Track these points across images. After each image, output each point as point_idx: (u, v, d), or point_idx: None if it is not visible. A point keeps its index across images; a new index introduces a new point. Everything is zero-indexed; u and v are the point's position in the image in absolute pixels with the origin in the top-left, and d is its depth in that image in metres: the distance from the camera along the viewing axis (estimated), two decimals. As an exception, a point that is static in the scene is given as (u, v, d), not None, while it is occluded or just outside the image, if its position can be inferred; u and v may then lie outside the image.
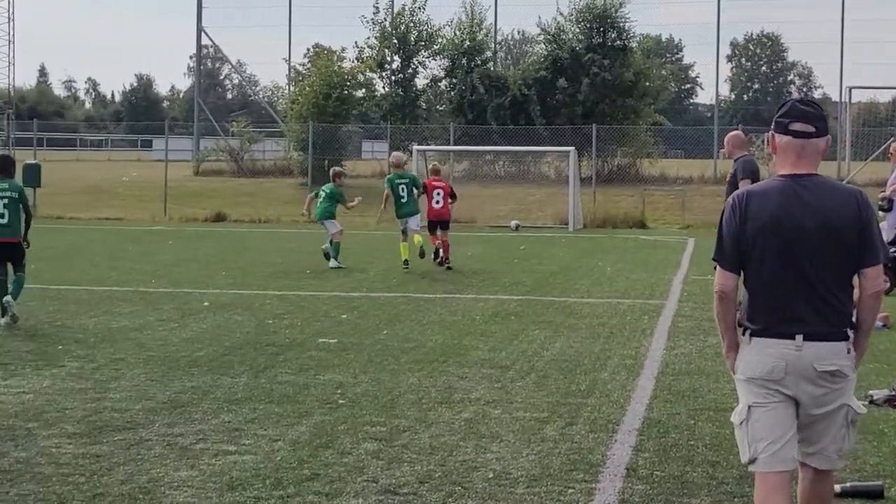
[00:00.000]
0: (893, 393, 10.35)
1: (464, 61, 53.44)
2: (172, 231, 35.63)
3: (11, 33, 47.56)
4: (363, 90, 54.41)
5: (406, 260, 22.85)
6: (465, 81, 52.43)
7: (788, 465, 5.89)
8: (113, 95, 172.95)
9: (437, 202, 23.91)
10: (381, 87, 55.91)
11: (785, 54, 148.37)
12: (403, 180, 23.72)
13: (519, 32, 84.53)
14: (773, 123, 5.94)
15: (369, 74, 54.89)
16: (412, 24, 54.99)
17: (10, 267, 15.49)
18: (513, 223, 37.67)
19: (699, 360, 12.77)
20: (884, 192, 18.21)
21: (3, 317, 15.12)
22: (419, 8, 54.87)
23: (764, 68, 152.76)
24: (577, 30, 52.30)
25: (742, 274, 5.98)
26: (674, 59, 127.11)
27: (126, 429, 9.33)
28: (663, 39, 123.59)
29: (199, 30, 60.78)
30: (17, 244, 15.59)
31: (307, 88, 50.96)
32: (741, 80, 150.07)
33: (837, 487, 7.26)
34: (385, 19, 55.31)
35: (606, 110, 50.64)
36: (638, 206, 40.47)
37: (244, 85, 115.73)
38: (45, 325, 15.22)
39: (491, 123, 50.47)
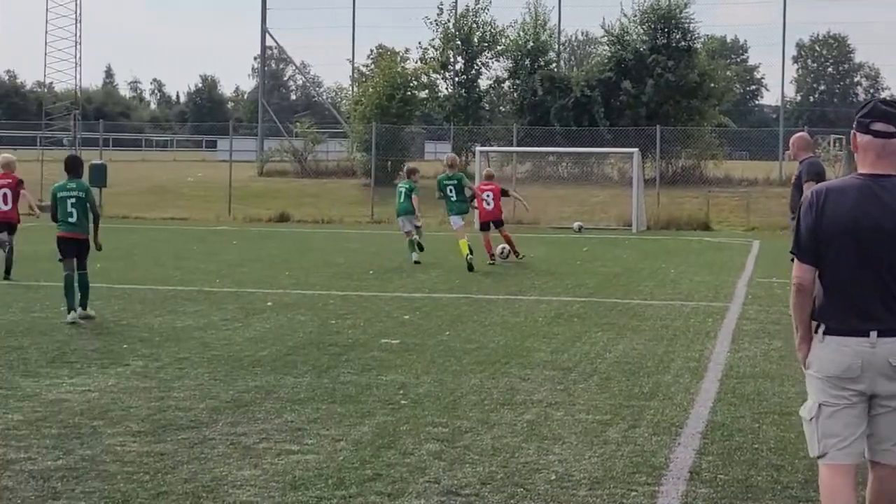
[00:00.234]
0: None
1: (527, 62, 53.35)
2: (236, 231, 35.84)
3: (78, 34, 47.96)
4: (426, 91, 54.44)
5: (469, 259, 23.05)
6: (528, 83, 52.35)
7: (857, 459, 5.96)
8: (178, 96, 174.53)
9: (488, 203, 24.92)
10: (444, 88, 56.01)
11: (851, 55, 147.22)
12: (452, 181, 24.62)
13: (583, 34, 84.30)
14: (855, 122, 5.96)
15: (433, 75, 54.95)
16: (475, 25, 54.99)
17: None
18: (576, 225, 37.56)
19: (764, 364, 12.67)
20: None
21: (76, 319, 15.51)
22: (483, 9, 54.90)
23: (830, 69, 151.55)
24: (641, 31, 52.06)
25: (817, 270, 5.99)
26: (739, 60, 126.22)
27: (190, 427, 9.38)
28: (728, 40, 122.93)
29: (264, 31, 61.12)
30: (85, 240, 16.13)
31: (370, 89, 51.04)
32: (807, 82, 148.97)
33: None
34: (448, 20, 55.37)
35: (671, 111, 50.37)
36: (702, 207, 40.24)
37: (308, 86, 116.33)
38: (110, 324, 15.36)
39: (554, 125, 50.36)
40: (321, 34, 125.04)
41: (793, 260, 6.11)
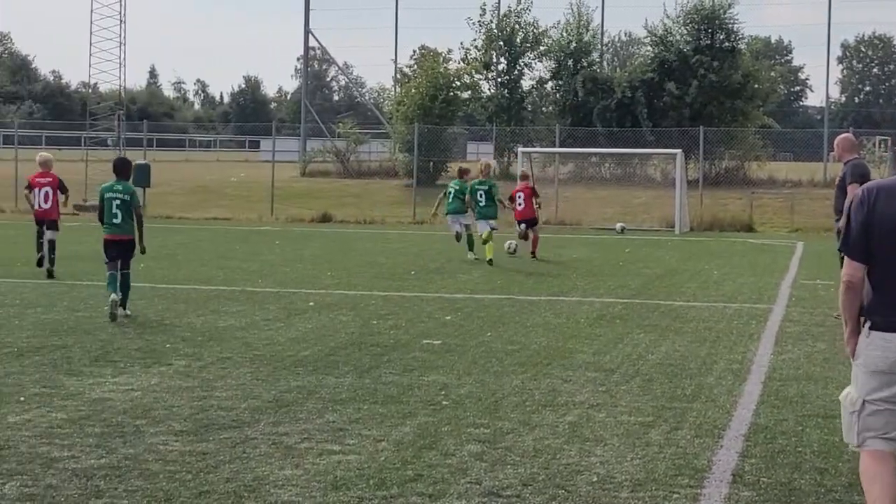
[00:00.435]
0: None
1: (570, 63, 53.26)
2: (279, 231, 35.95)
3: (122, 35, 48.09)
4: (469, 92, 54.44)
5: (490, 259, 24.11)
6: (571, 83, 52.26)
7: (894, 447, 6.10)
8: (221, 97, 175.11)
9: (520, 204, 26.26)
10: (486, 89, 55.94)
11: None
12: (483, 186, 25.59)
13: (626, 34, 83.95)
14: None
15: (475, 76, 54.92)
16: (518, 26, 54.92)
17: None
18: (618, 226, 37.46)
19: (807, 366, 12.59)
20: None
21: (117, 309, 15.75)
22: (525, 10, 54.82)
23: (875, 70, 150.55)
24: (685, 31, 51.86)
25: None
26: (783, 60, 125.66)
27: (232, 427, 9.41)
28: (772, 41, 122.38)
29: (307, 32, 61.29)
30: (130, 241, 16.34)
31: (413, 90, 51.08)
32: (852, 83, 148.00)
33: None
34: (491, 21, 55.33)
35: (714, 112, 50.15)
36: (746, 209, 40.06)
37: (350, 86, 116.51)
38: (153, 324, 15.43)
39: (596, 125, 50.26)
40: (364, 35, 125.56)
41: (841, 259, 6.14)
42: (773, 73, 62.68)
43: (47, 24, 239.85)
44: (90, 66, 48.13)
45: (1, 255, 25.07)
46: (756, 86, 52.47)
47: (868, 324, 6.04)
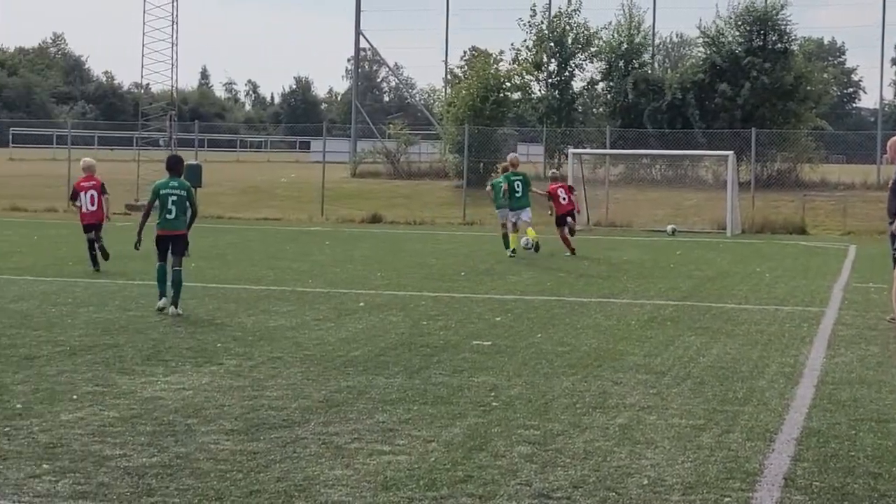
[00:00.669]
0: None
1: (620, 64, 53.09)
2: (329, 232, 36.04)
3: (175, 36, 48.29)
4: (519, 93, 54.33)
5: (513, 249, 25.99)
6: (622, 85, 52.10)
7: None
8: (272, 97, 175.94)
9: (563, 199, 27.67)
10: (537, 90, 55.78)
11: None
12: (518, 177, 27.01)
13: (677, 35, 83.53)
14: None
15: (526, 77, 54.81)
16: (569, 27, 54.76)
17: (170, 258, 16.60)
18: (669, 227, 37.33)
19: (860, 370, 12.49)
20: None
21: (167, 305, 16.26)
22: (576, 11, 54.65)
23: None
24: (737, 32, 51.56)
25: None
26: (836, 62, 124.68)
27: (282, 427, 9.43)
28: (825, 42, 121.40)
29: (358, 33, 61.36)
30: (182, 237, 16.73)
31: (463, 91, 51.03)
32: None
33: None
34: (542, 22, 55.20)
35: (766, 114, 49.83)
36: (798, 211, 39.81)
37: (401, 87, 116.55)
38: (204, 323, 15.51)
39: (647, 127, 50.08)
40: (414, 36, 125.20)
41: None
42: (825, 75, 62.18)
43: (100, 25, 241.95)
44: (142, 66, 48.40)
45: (53, 255, 25.29)
46: (808, 87, 52.08)
47: None
